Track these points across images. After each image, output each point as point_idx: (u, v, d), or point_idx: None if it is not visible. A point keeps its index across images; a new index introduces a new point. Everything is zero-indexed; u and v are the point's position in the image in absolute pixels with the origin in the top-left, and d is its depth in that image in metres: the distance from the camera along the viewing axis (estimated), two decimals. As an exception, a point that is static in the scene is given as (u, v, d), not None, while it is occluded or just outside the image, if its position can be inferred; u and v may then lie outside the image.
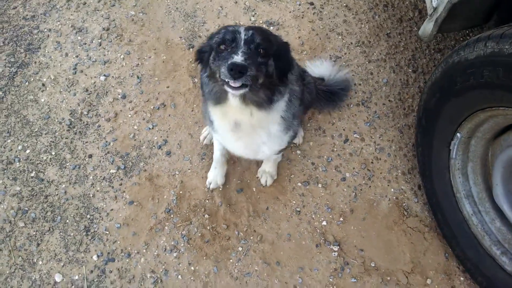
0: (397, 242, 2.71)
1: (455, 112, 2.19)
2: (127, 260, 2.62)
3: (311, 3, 3.57)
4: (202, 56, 1.95)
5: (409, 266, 2.65)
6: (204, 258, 2.63)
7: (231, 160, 2.92)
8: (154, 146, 2.96)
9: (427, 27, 2.34)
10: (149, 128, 3.02)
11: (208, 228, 2.71)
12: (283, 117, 2.06)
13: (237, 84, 1.69)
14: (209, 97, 1.93)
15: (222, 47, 1.78)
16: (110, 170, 2.87)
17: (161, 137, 2.99)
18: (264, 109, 1.90)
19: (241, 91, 1.73)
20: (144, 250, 2.64)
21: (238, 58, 1.65)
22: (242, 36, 1.76)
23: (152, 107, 3.10)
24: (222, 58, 1.74)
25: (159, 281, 2.56)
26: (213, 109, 1.98)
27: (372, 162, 2.97)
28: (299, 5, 3.56)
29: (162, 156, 2.93)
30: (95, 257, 2.62)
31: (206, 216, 2.74)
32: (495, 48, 1.80)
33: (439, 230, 2.70)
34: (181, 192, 2.81)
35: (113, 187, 2.82)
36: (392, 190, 2.88)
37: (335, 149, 3.00)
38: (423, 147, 2.61)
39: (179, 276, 2.58)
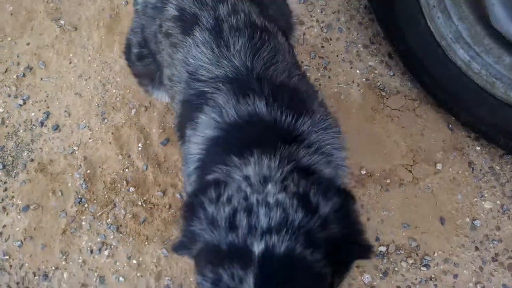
0: (385, 133, 2.05)
1: None
2: (45, 283, 1.90)
3: None
4: None
5: (409, 157, 2.01)
6: (146, 243, 1.92)
7: (143, 105, 2.15)
8: (34, 125, 2.15)
9: None
10: (20, 105, 2.19)
11: (140, 203, 1.98)
12: None
13: None
14: None
15: None
16: (-15, 176, 2.08)
17: (39, 110, 2.17)
18: None
19: None
20: (64, 262, 1.92)
21: None
22: None
23: (15, 77, 2.24)
24: None
25: (96, 295, 1.87)
26: None
27: (322, 46, 2.23)
28: None
29: (49, 133, 2.13)
30: (2, 296, 1.90)
31: (132, 189, 2.00)
32: None
33: (432, 98, 2.04)
34: (88, 171, 2.04)
35: (-3, 196, 2.04)
36: (358, 71, 2.17)
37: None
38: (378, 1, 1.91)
39: (121, 278, 1.88)
